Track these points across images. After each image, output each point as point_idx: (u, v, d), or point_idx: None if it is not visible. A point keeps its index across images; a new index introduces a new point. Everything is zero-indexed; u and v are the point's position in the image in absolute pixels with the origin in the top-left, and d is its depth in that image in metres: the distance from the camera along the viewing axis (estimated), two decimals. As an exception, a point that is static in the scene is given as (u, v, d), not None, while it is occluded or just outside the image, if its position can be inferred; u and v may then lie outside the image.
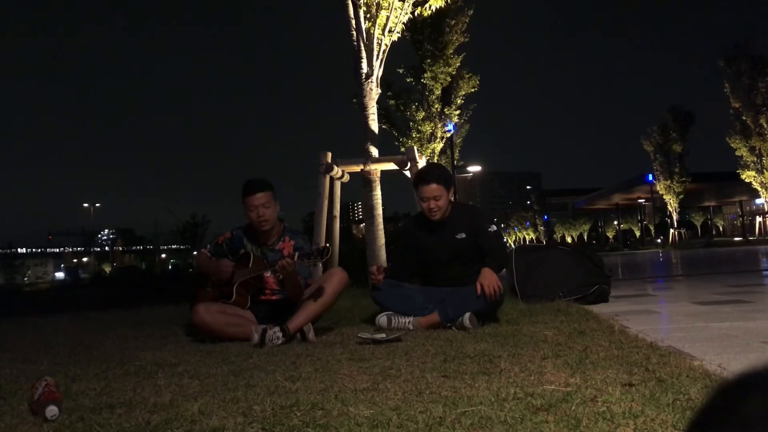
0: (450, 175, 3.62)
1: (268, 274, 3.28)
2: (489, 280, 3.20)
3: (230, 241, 3.40)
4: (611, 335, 2.63)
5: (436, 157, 18.75)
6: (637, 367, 1.92)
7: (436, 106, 18.15)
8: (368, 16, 6.51)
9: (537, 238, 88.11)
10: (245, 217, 3.34)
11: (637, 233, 58.40)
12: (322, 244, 6.00)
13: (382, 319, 3.32)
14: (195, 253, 4.17)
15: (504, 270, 3.64)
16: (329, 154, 6.14)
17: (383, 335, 2.77)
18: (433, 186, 3.38)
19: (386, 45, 6.57)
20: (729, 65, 29.75)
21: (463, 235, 3.42)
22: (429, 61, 17.43)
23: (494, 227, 3.47)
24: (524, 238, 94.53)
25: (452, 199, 3.56)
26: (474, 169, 31.07)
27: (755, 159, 29.29)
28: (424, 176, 3.46)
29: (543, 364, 2.05)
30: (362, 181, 6.42)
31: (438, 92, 18.00)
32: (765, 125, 28.34)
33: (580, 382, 1.73)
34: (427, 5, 6.89)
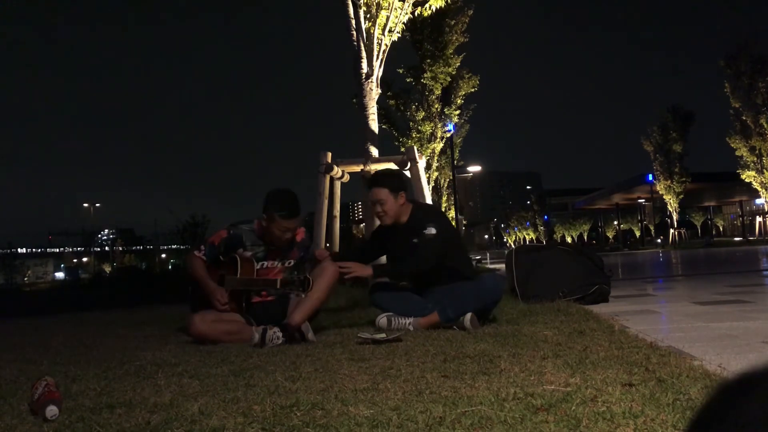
0: (400, 180, 3.48)
1: (271, 265, 3.30)
2: (343, 267, 3.19)
3: (227, 241, 3.31)
4: (611, 335, 2.63)
5: (436, 157, 18.76)
6: (637, 367, 1.92)
7: (436, 106, 18.17)
8: (368, 16, 6.51)
9: (537, 238, 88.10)
10: (267, 226, 3.25)
11: (637, 233, 58.39)
12: (322, 245, 6.00)
13: (382, 320, 3.31)
14: (187, 255, 3.92)
15: (409, 274, 3.51)
16: (329, 154, 6.14)
17: (383, 335, 2.77)
18: (376, 190, 3.38)
19: (386, 45, 6.57)
20: (729, 65, 29.75)
21: (416, 240, 3.37)
22: (429, 61, 17.45)
23: (433, 231, 3.29)
24: (524, 238, 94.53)
25: (450, 200, 3.56)
26: (474, 169, 31.09)
27: (755, 159, 29.29)
28: (370, 180, 3.46)
29: (543, 364, 2.04)
30: (362, 181, 6.42)
31: (438, 92, 18.03)
32: (765, 125, 28.34)
33: (580, 382, 1.73)
34: (427, 5, 6.90)
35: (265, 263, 3.33)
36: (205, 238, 3.42)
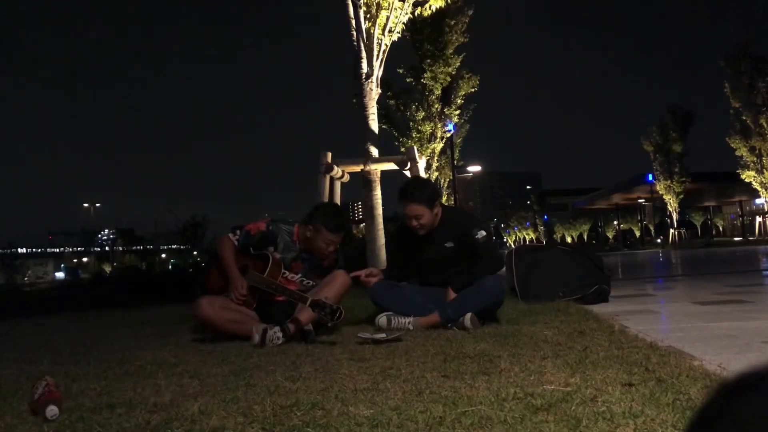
0: (433, 191, 3.44)
1: (292, 278, 3.26)
2: (449, 299, 3.27)
3: (263, 235, 3.28)
4: (611, 335, 2.63)
5: (436, 157, 18.75)
6: (637, 367, 1.92)
7: (436, 106, 18.15)
8: (368, 16, 6.51)
9: (537, 238, 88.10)
10: (309, 236, 3.24)
11: (637, 233, 58.39)
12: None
13: (381, 319, 3.31)
14: (220, 236, 3.77)
15: (503, 269, 3.56)
16: (329, 154, 6.14)
17: (383, 335, 2.78)
18: (413, 206, 3.32)
19: (386, 45, 6.57)
20: (729, 65, 29.72)
21: (451, 244, 3.37)
22: (429, 61, 17.43)
23: (483, 232, 3.34)
24: (524, 238, 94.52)
25: (450, 201, 3.49)
26: (474, 169, 31.10)
27: (755, 159, 29.27)
28: (404, 194, 3.37)
29: (543, 364, 2.05)
30: (362, 181, 6.42)
31: (438, 92, 18.00)
32: (765, 125, 28.32)
33: (580, 382, 1.74)
34: (427, 5, 6.90)
35: (287, 273, 3.29)
36: (242, 224, 3.35)
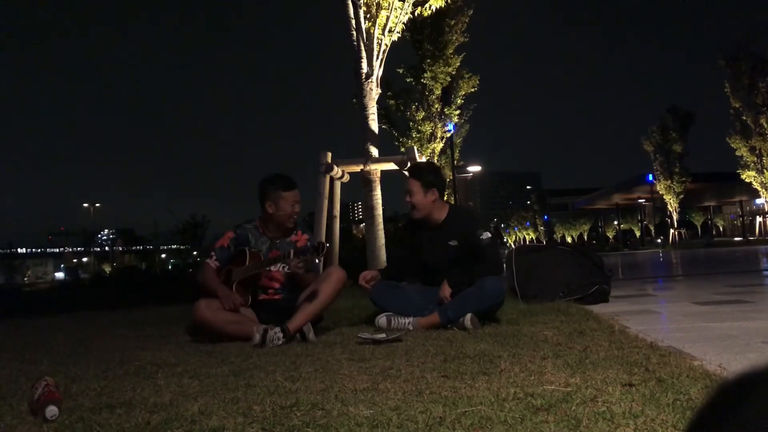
0: (435, 178, 3.45)
1: (275, 268, 3.28)
2: (443, 293, 3.27)
3: (236, 240, 3.36)
4: (611, 335, 2.63)
5: (436, 157, 18.75)
6: (637, 367, 1.92)
7: (436, 106, 18.14)
8: (368, 16, 6.51)
9: (537, 238, 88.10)
10: (273, 210, 3.30)
11: (637, 233, 58.35)
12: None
13: (381, 319, 3.32)
14: (199, 260, 3.88)
15: (503, 273, 3.59)
16: (329, 154, 6.14)
17: (383, 335, 2.78)
18: (411, 180, 3.43)
19: (386, 45, 6.57)
20: (729, 65, 29.70)
21: (456, 243, 3.38)
22: (429, 61, 17.42)
23: (488, 234, 3.35)
24: (524, 238, 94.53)
25: (450, 201, 3.52)
26: (474, 169, 31.07)
27: (755, 159, 29.25)
28: (410, 169, 3.56)
29: (543, 364, 2.04)
30: (362, 181, 6.42)
31: (438, 92, 17.99)
32: (765, 125, 28.30)
33: (580, 382, 1.73)
34: (427, 5, 6.90)
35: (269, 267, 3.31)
36: (212, 245, 3.44)
